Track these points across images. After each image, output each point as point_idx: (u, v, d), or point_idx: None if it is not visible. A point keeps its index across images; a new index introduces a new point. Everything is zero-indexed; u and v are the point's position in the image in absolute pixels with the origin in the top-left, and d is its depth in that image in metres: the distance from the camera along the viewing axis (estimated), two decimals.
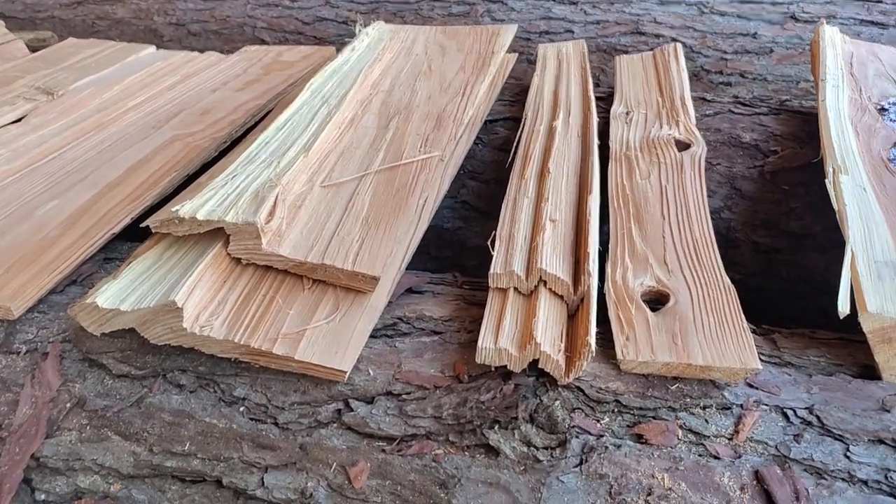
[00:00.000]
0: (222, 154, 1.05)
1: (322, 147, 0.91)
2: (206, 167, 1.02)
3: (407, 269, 0.88)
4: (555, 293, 0.70)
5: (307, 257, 0.73)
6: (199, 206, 0.73)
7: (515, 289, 0.71)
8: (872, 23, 1.88)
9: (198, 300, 0.68)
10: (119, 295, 0.69)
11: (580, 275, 0.71)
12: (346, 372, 0.66)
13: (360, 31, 1.34)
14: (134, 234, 0.89)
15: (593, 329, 0.65)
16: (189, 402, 0.68)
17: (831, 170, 0.83)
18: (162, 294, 0.67)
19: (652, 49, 2.02)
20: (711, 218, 1.01)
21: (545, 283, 0.70)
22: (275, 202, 0.75)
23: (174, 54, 1.44)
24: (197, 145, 1.05)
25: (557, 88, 1.15)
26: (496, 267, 0.71)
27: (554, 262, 0.71)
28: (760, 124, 1.11)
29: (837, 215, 0.76)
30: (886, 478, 0.57)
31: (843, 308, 0.64)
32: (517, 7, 2.12)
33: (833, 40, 1.18)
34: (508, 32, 1.35)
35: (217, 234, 0.74)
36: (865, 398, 0.64)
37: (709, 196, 1.03)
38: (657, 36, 1.96)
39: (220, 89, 1.23)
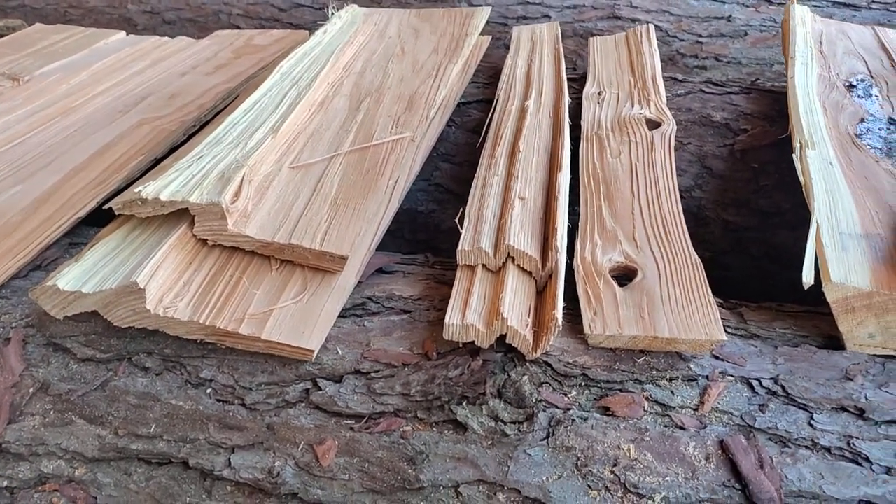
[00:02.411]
0: (191, 138, 1.03)
1: (291, 128, 0.90)
2: (173, 151, 1.00)
3: (379, 250, 0.87)
4: (523, 269, 0.70)
5: (274, 238, 0.72)
6: (162, 186, 0.72)
7: (484, 265, 0.71)
8: (845, 4, 1.90)
9: (161, 281, 0.67)
10: (81, 277, 0.68)
11: (548, 251, 0.71)
12: (313, 351, 0.65)
13: (332, 14, 1.32)
14: (100, 219, 0.88)
15: (560, 304, 0.65)
16: (155, 385, 0.67)
17: (798, 145, 0.83)
18: (124, 276, 0.66)
19: None
20: (682, 196, 1.02)
21: (513, 259, 0.70)
22: (241, 183, 0.74)
23: (144, 39, 1.41)
24: (164, 129, 1.03)
25: (530, 69, 1.14)
26: (464, 244, 0.71)
27: (522, 238, 0.71)
28: (731, 103, 1.12)
29: (804, 189, 0.77)
30: (849, 444, 0.58)
31: (808, 279, 0.65)
32: None
33: (803, 19, 1.19)
34: (482, 15, 1.34)
35: (182, 215, 0.72)
36: (830, 368, 0.65)
37: (680, 175, 1.04)
38: (633, 20, 1.96)
39: (190, 73, 1.21)
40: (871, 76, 1.05)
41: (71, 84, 1.21)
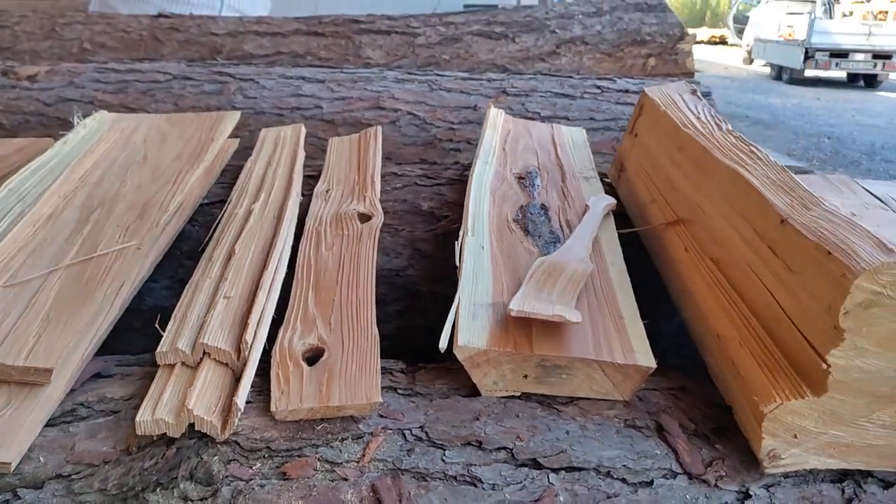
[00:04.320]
0: None
1: (10, 246, 0.95)
2: None
3: (121, 352, 0.94)
4: (220, 362, 0.81)
5: None
6: None
7: (183, 363, 0.81)
8: (564, 95, 2.31)
9: None
10: None
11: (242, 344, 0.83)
12: (9, 463, 0.70)
13: (78, 122, 1.38)
14: None
15: (243, 391, 0.77)
16: None
17: (461, 234, 1.05)
18: None
19: (392, 121, 2.27)
20: (398, 275, 1.21)
21: (209, 354, 0.81)
22: None
23: None
24: None
25: (266, 171, 1.29)
26: (163, 346, 0.81)
27: (219, 335, 0.82)
28: (438, 193, 1.35)
29: (458, 270, 0.98)
30: (468, 471, 0.76)
31: (443, 344, 0.83)
32: (269, 85, 2.26)
33: (495, 121, 1.48)
34: (231, 119, 1.47)
35: None
36: (467, 412, 0.83)
37: (396, 257, 1.23)
38: (395, 110, 2.21)
39: None
40: (539, 168, 1.34)
41: None
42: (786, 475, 0.76)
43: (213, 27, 3.04)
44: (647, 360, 0.84)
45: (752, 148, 0.97)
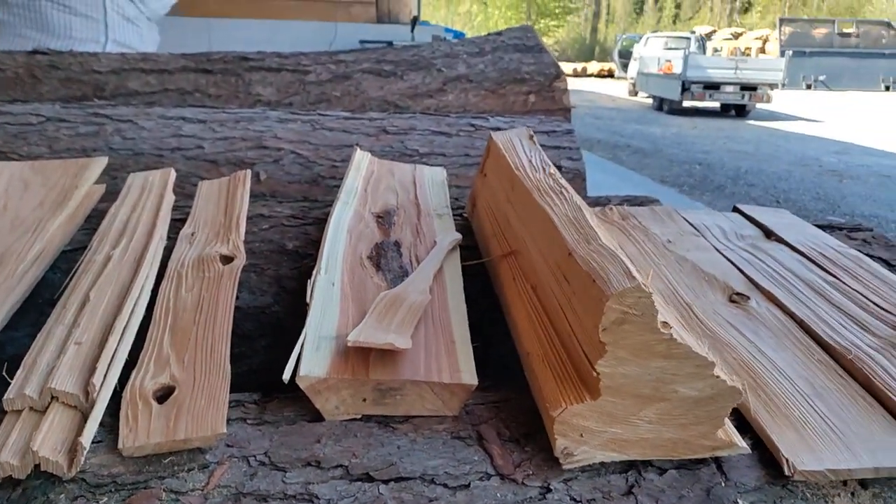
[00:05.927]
0: None
1: None
2: None
3: None
4: (68, 405, 0.86)
5: None
6: None
7: (31, 408, 0.85)
8: (442, 133, 2.46)
9: None
10: None
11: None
12: None
13: None
14: None
15: (88, 430, 0.82)
16: None
17: (315, 272, 1.14)
18: None
19: (276, 160, 2.34)
20: (265, 312, 1.28)
21: (57, 398, 0.85)
22: None
23: None
24: None
25: (131, 216, 1.33)
26: (10, 392, 0.85)
27: (68, 380, 0.87)
28: (305, 233, 1.44)
29: (308, 307, 1.07)
30: (306, 489, 0.84)
31: (286, 376, 0.92)
32: (147, 126, 2.27)
33: (360, 164, 1.59)
34: (97, 165, 1.50)
35: None
36: (310, 436, 0.92)
37: (261, 295, 1.30)
38: (278, 149, 2.28)
39: None
40: (398, 207, 1.46)
41: None
42: (582, 469, 0.90)
43: (95, 64, 2.99)
44: (471, 378, 0.96)
45: (563, 189, 1.13)
